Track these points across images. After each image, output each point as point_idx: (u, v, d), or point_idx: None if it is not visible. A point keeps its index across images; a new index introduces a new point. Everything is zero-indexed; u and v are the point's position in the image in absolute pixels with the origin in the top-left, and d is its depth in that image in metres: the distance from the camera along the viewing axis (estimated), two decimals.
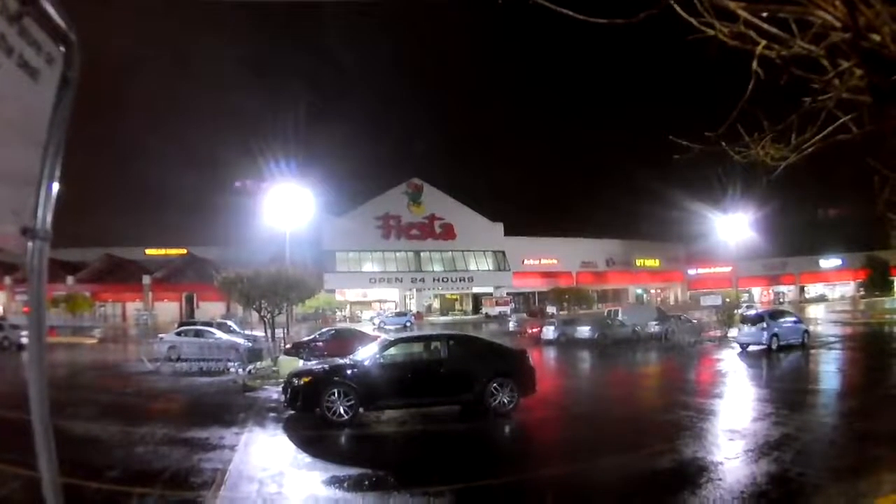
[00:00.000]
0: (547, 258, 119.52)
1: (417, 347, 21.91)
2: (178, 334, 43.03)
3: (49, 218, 2.90)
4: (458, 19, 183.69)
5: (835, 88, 5.90)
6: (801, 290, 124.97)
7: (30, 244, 2.84)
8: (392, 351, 20.92)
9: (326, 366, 21.39)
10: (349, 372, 19.91)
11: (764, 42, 5.58)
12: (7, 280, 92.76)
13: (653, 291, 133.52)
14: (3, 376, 34.60)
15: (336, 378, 19.62)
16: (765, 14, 5.44)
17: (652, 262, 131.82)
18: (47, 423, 2.96)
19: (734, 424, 18.15)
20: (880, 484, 11.52)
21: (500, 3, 6.40)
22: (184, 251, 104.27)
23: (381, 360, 20.18)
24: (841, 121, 6.31)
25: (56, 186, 2.94)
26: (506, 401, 20.07)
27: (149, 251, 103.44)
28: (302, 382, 19.85)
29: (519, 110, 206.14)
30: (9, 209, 2.74)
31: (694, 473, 12.79)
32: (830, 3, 4.96)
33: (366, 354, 21.13)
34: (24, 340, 48.26)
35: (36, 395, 2.94)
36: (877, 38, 4.63)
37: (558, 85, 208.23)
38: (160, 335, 44.85)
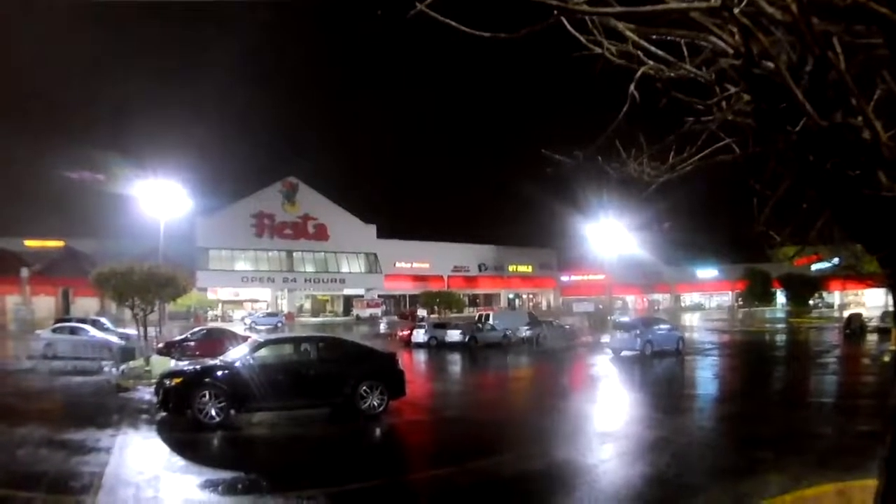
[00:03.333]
0: (419, 262, 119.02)
1: (288, 349, 21.84)
2: (55, 331, 41.88)
3: None
4: (338, 20, 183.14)
5: (720, 111, 6.17)
6: (677, 298, 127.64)
7: None
8: (262, 352, 20.82)
9: (197, 367, 21.21)
10: (220, 373, 19.75)
11: (648, 64, 5.81)
12: None
13: (525, 297, 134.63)
14: None
15: (207, 379, 19.47)
16: (654, 36, 5.67)
17: (525, 268, 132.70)
18: None
19: (607, 427, 18.61)
20: (766, 485, 11.91)
21: (378, 13, 6.54)
22: (61, 243, 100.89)
23: (252, 362, 20.06)
24: (724, 142, 6.59)
25: None
26: (375, 403, 20.32)
27: (28, 242, 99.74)
28: (173, 384, 19.62)
29: (400, 115, 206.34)
30: None
31: (568, 475, 13.15)
32: (726, 31, 5.21)
33: (236, 355, 21.00)
34: None
35: None
36: (771, 65, 4.85)
37: (441, 91, 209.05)
38: (37, 331, 43.73)
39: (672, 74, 5.93)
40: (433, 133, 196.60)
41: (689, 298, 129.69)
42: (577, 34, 5.57)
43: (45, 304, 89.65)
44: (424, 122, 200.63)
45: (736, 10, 4.39)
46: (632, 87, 5.88)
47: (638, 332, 41.75)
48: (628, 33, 5.62)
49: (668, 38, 5.58)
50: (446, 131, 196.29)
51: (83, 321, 46.71)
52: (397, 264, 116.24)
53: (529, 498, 12.33)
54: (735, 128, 6.42)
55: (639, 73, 5.82)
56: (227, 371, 19.84)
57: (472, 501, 12.33)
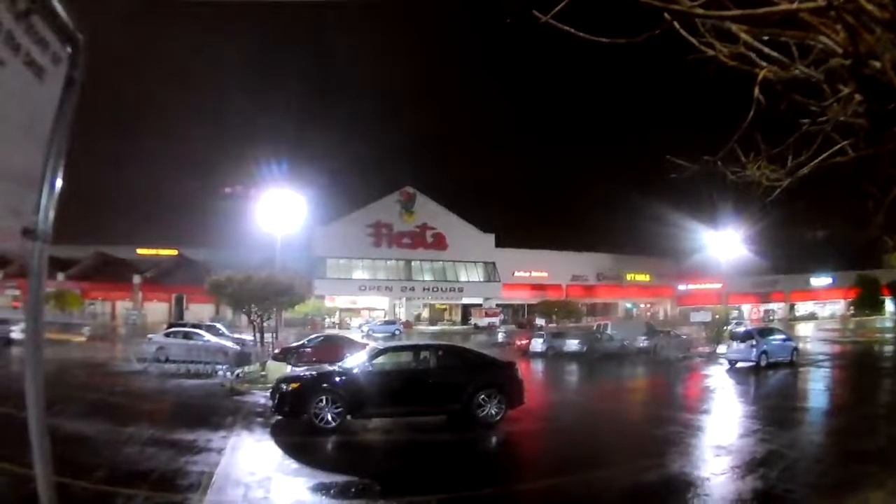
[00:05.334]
0: (537, 271, 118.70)
1: (406, 356, 21.87)
2: (167, 335, 42.92)
3: (51, 218, 2.86)
4: (461, 31, 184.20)
5: (833, 112, 5.87)
6: (791, 307, 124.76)
7: (31, 245, 2.80)
8: (381, 359, 20.88)
9: (315, 372, 21.38)
10: (338, 379, 19.83)
11: (766, 66, 5.55)
12: None
13: (642, 306, 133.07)
14: None
15: (325, 385, 19.55)
16: (765, 37, 5.40)
17: (642, 277, 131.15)
18: (43, 423, 2.93)
19: (721, 440, 18.11)
20: (867, 501, 11.53)
21: (507, 21, 6.35)
22: (175, 252, 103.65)
23: (370, 368, 20.12)
24: (839, 146, 6.28)
25: (59, 187, 2.89)
26: (493, 412, 19.98)
27: (140, 251, 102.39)
28: (290, 388, 19.77)
29: (516, 123, 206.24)
30: (10, 208, 2.69)
31: (680, 489, 12.75)
32: (832, 29, 4.93)
33: (355, 362, 21.10)
34: (13, 335, 48.44)
35: (32, 395, 2.91)
36: (877, 64, 4.59)
37: (556, 99, 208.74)
38: (149, 336, 44.67)
39: (784, 76, 5.66)
40: (551, 141, 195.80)
41: (802, 307, 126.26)
42: (689, 37, 5.39)
43: (157, 309, 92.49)
44: (543, 130, 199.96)
45: (836, 2, 4.10)
46: (756, 90, 5.65)
47: (753, 342, 40.94)
48: (742, 35, 5.37)
49: (780, 38, 5.35)
50: (565, 139, 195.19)
51: (198, 326, 47.65)
52: (516, 273, 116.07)
53: None
54: (849, 131, 6.14)
55: (761, 73, 5.58)
56: (344, 377, 19.91)
57: None
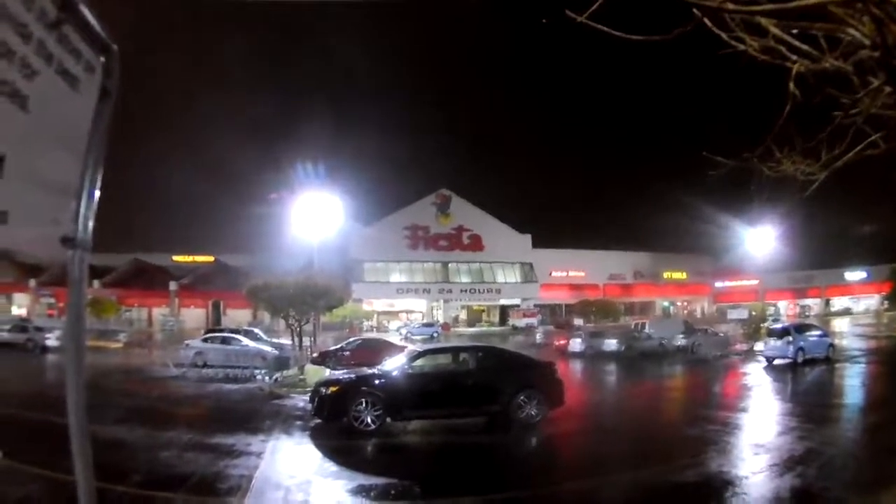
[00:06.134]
0: (574, 270, 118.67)
1: (445, 358, 21.92)
2: (205, 341, 43.25)
3: (90, 227, 2.94)
4: (496, 33, 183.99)
5: (864, 105, 5.90)
6: (827, 303, 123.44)
7: (70, 253, 2.89)
8: (420, 361, 20.95)
9: (354, 375, 21.48)
10: (377, 382, 19.94)
11: (797, 59, 5.60)
12: (32, 282, 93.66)
13: (679, 304, 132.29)
14: (26, 378, 35.02)
15: (364, 388, 19.69)
16: (794, 31, 5.46)
17: (679, 275, 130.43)
18: (84, 429, 3.01)
19: (759, 439, 18.07)
20: None
21: (543, 21, 6.43)
22: (211, 258, 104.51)
23: (410, 371, 20.24)
24: (871, 139, 6.31)
25: (97, 196, 2.99)
26: (533, 413, 20.08)
27: (176, 258, 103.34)
28: (329, 391, 19.93)
29: (551, 123, 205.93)
30: (49, 217, 2.79)
31: (719, 488, 12.77)
32: (859, 21, 4.97)
33: (394, 365, 21.16)
34: (49, 342, 49.68)
35: (73, 401, 2.98)
36: None
37: (590, 99, 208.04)
38: (186, 341, 44.97)
39: (814, 69, 5.71)
40: (587, 140, 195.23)
41: (838, 303, 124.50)
42: (719, 33, 5.46)
43: (194, 315, 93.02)
44: (578, 129, 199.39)
45: None
46: (791, 84, 5.71)
47: (790, 338, 40.81)
48: (772, 28, 5.43)
49: (809, 32, 5.41)
50: (600, 138, 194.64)
51: (236, 331, 47.86)
52: (553, 273, 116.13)
53: None
54: (880, 123, 6.17)
55: (795, 66, 5.65)
56: (384, 379, 20.04)
57: None
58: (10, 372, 38.23)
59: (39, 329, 55.96)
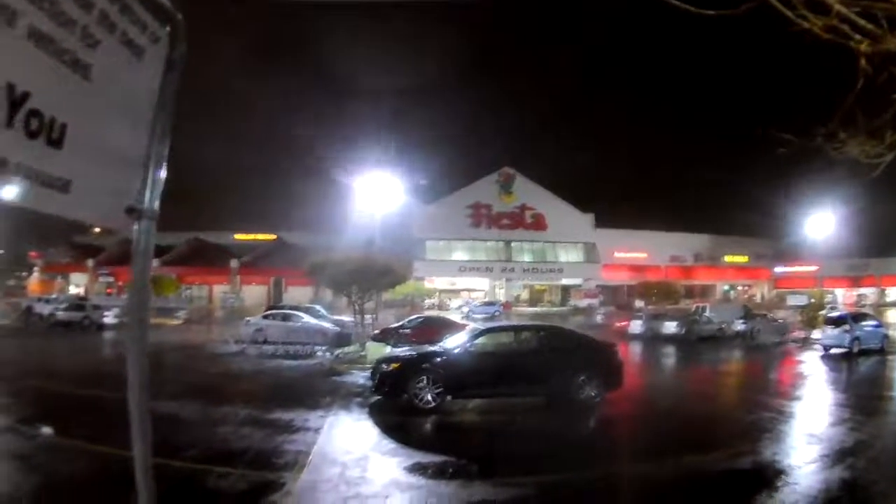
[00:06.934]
0: (636, 251, 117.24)
1: (507, 337, 21.97)
2: (266, 317, 43.72)
3: (156, 199, 3.03)
4: (556, 9, 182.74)
5: None
6: (882, 292, 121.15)
7: (136, 224, 2.97)
8: (482, 340, 21.04)
9: (415, 353, 21.70)
10: (438, 359, 20.11)
11: (860, 38, 5.59)
12: (89, 262, 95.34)
13: (739, 288, 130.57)
14: (80, 356, 35.79)
15: (425, 365, 19.87)
16: (857, 9, 5.44)
17: (740, 258, 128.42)
18: (145, 404, 3.09)
19: (813, 428, 17.98)
20: None
21: None
22: (272, 236, 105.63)
23: (471, 349, 20.36)
24: None
25: (163, 168, 3.06)
26: (592, 394, 20.18)
27: (237, 236, 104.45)
28: (391, 368, 20.16)
29: (613, 102, 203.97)
30: (113, 188, 2.88)
31: (771, 477, 12.74)
32: None
33: (455, 342, 21.34)
34: (106, 320, 51.08)
35: (135, 376, 3.13)
36: None
37: (655, 77, 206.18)
38: (247, 318, 45.47)
39: (878, 49, 5.68)
40: (649, 119, 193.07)
41: (893, 292, 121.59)
42: (784, 10, 5.45)
43: (254, 292, 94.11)
44: (641, 108, 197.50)
45: None
46: (862, 61, 5.68)
47: (847, 327, 40.31)
48: (836, 6, 5.41)
49: (871, 11, 5.37)
50: (662, 117, 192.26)
51: (297, 308, 48.24)
52: (615, 254, 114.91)
53: (732, 497, 12.12)
54: None
55: (862, 47, 5.61)
56: (445, 357, 20.21)
57: (677, 496, 12.10)
58: (65, 350, 39.00)
59: (97, 307, 57.50)
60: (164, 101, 3.04)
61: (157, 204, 3.04)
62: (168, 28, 2.99)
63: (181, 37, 3.03)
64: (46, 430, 15.78)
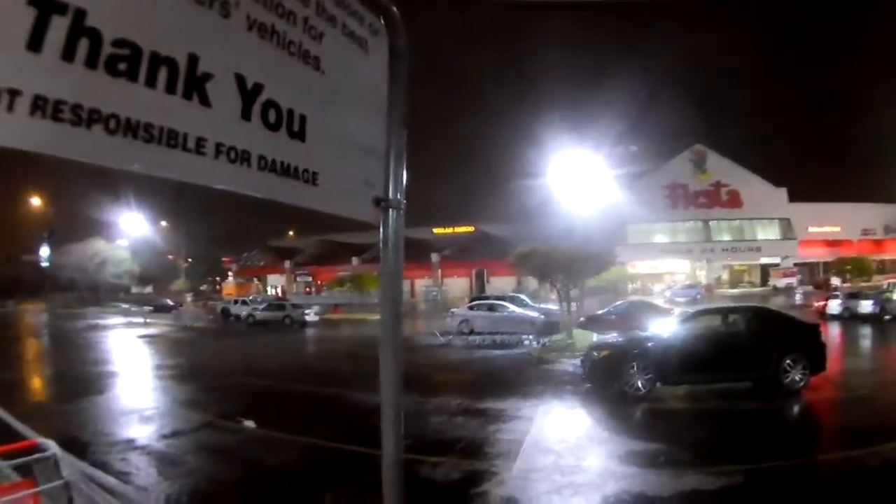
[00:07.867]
0: (829, 225, 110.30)
1: (716, 320, 21.51)
2: (471, 308, 44.24)
3: (401, 188, 3.10)
4: None
5: None
6: None
7: (383, 215, 3.04)
8: (691, 324, 20.78)
9: (625, 339, 21.61)
10: (648, 345, 19.89)
11: None
12: (287, 263, 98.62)
13: None
14: (285, 353, 37.66)
15: (635, 351, 19.72)
16: None
17: None
18: (398, 402, 3.28)
19: None
20: None
21: None
22: (471, 229, 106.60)
23: (681, 334, 20.05)
24: None
25: (404, 158, 3.10)
26: (797, 378, 19.48)
27: (436, 230, 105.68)
28: (601, 356, 20.14)
29: (799, 70, 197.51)
30: (359, 180, 2.91)
31: None
32: None
33: (665, 327, 21.08)
34: (308, 318, 53.52)
35: (388, 373, 3.33)
36: None
37: (843, 42, 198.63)
38: (452, 310, 46.08)
39: None
40: (835, 85, 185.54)
41: None
42: None
43: (456, 285, 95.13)
44: (828, 74, 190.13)
45: None
46: None
47: None
48: None
49: None
50: (850, 83, 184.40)
51: (502, 298, 48.56)
52: (808, 229, 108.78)
53: None
54: None
55: None
56: (655, 343, 19.95)
57: (884, 485, 11.50)
58: (270, 348, 40.83)
59: (297, 306, 60.14)
60: (396, 92, 3.08)
61: (402, 194, 3.11)
62: (382, 20, 3.00)
63: (399, 27, 3.05)
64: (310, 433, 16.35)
